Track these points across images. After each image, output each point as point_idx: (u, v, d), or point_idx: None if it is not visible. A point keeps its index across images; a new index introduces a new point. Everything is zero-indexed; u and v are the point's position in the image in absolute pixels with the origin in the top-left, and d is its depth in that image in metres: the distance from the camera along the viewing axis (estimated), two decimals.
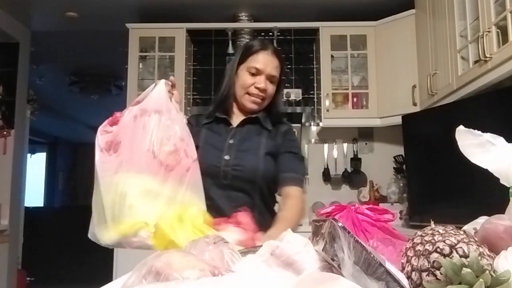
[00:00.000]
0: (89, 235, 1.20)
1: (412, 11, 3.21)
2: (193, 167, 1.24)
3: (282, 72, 1.57)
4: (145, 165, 1.16)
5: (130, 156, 1.17)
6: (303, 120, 3.52)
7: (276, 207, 1.58)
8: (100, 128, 1.24)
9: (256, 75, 1.50)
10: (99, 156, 1.19)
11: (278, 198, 1.57)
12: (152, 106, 1.21)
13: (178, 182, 1.18)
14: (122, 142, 1.18)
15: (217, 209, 1.35)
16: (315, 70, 3.66)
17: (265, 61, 1.50)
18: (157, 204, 1.13)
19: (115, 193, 1.12)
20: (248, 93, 1.51)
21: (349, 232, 0.64)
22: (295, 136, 1.65)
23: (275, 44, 3.56)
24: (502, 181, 0.75)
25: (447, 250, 0.63)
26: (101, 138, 1.22)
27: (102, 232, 1.13)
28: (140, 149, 1.17)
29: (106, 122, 1.26)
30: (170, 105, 1.25)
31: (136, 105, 1.25)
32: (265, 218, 1.46)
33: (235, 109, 1.59)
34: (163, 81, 1.28)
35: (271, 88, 1.52)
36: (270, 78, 1.51)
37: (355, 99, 3.44)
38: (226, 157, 1.47)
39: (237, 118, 1.58)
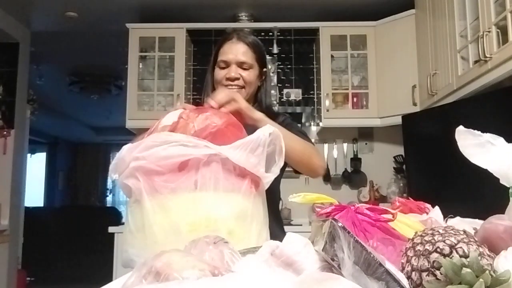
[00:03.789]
0: (125, 264, 0.95)
1: (412, 11, 3.21)
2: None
3: (259, 58, 1.49)
4: (236, 184, 0.94)
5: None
6: (303, 120, 3.53)
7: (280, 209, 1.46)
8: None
9: (226, 68, 1.45)
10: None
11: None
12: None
13: (263, 198, 1.02)
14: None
15: None
16: (315, 70, 3.66)
17: (230, 50, 1.46)
18: (253, 227, 0.96)
19: (195, 215, 0.91)
20: (223, 86, 1.45)
21: (349, 232, 0.64)
22: (296, 125, 1.55)
23: (274, 44, 3.56)
24: (502, 181, 0.75)
25: (447, 250, 0.63)
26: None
27: None
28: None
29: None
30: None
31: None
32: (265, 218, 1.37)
33: None
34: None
35: (246, 75, 1.45)
36: (240, 65, 1.45)
37: (355, 99, 3.45)
38: None
39: None
